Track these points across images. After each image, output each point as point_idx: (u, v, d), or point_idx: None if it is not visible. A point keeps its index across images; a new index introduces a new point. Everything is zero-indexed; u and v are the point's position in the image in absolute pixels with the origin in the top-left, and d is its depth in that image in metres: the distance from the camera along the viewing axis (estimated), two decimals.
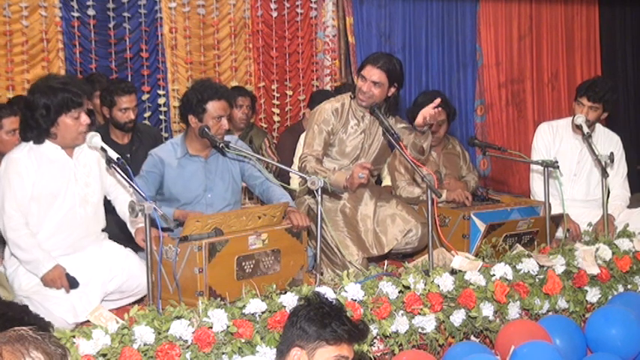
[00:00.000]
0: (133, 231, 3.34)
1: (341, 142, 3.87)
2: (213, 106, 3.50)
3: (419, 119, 3.71)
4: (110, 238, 3.45)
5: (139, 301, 3.27)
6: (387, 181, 4.50)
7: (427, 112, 3.67)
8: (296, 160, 4.57)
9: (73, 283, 3.11)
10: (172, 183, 3.57)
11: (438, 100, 3.71)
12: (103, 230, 3.42)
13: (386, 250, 3.82)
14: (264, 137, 5.16)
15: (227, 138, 3.56)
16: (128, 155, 4.20)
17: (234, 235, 3.20)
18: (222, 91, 3.56)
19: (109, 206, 3.47)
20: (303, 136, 4.37)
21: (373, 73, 3.76)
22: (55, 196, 3.17)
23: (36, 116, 3.10)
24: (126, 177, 3.00)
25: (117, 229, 3.54)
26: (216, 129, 3.51)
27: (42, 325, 1.94)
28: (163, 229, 3.15)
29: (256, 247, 3.22)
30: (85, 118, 3.17)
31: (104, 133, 4.09)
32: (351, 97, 3.91)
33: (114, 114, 4.20)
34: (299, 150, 4.51)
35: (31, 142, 3.15)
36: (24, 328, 1.61)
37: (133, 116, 4.23)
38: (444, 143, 4.46)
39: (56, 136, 3.16)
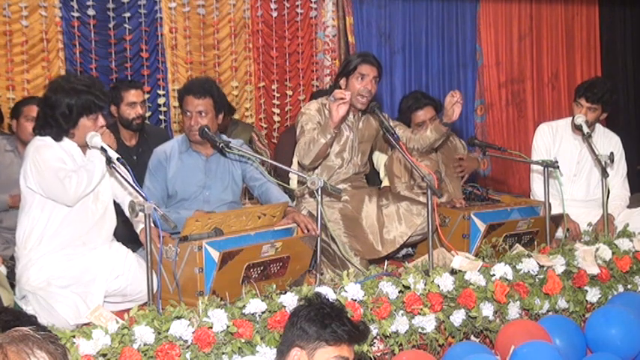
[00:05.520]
0: (138, 230, 3.33)
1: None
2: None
3: (449, 114, 3.78)
4: (115, 238, 3.42)
5: None
6: (386, 182, 4.50)
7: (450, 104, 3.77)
8: (295, 160, 4.56)
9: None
10: (173, 176, 3.59)
11: (454, 93, 3.78)
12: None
13: (395, 247, 3.80)
14: (251, 132, 5.09)
15: (233, 142, 3.55)
16: (135, 157, 4.16)
17: (250, 244, 3.15)
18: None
19: (116, 208, 3.46)
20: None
21: (371, 70, 3.75)
22: None
23: (56, 115, 3.12)
24: (126, 177, 3.00)
25: (122, 230, 3.52)
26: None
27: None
28: (171, 234, 3.15)
29: (268, 255, 3.18)
30: (101, 121, 3.19)
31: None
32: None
33: (121, 110, 4.12)
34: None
35: (49, 138, 3.17)
36: (25, 328, 1.61)
37: (141, 111, 4.16)
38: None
39: (74, 135, 3.19)
